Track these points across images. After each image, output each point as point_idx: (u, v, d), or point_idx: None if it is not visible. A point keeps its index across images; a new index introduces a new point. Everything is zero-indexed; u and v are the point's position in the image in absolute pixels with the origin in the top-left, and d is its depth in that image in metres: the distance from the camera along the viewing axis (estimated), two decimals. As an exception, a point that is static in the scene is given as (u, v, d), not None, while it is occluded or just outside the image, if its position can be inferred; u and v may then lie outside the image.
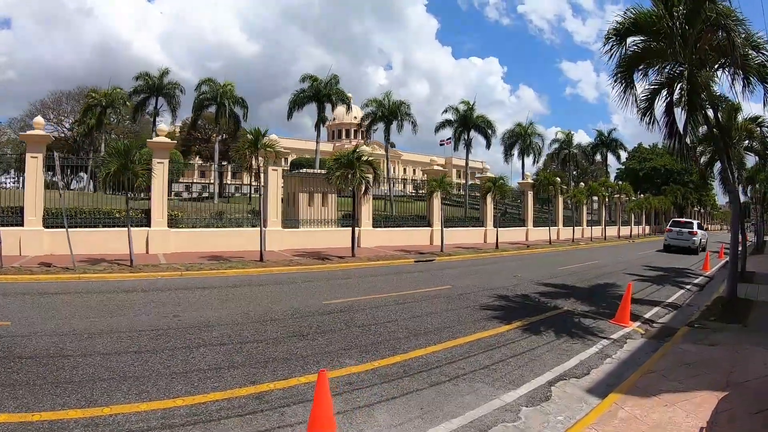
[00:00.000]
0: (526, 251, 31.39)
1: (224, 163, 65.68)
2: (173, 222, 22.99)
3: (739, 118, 18.97)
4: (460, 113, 58.10)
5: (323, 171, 28.40)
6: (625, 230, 60.16)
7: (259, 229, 21.46)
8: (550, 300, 14.36)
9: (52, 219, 19.93)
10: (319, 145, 55.84)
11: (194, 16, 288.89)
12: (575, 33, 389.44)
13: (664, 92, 13.25)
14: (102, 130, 57.52)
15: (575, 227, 43.59)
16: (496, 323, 11.04)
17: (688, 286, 18.86)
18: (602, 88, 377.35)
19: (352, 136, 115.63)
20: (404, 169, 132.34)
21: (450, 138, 62.22)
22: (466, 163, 62.45)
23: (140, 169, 17.09)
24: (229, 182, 79.73)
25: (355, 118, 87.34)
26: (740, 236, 19.35)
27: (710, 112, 13.83)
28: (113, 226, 21.15)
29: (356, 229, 25.79)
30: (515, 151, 65.08)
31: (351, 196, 25.04)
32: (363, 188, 23.59)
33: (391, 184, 50.80)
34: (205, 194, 61.65)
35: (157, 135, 23.71)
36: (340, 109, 64.70)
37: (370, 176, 24.02)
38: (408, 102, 55.62)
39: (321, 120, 54.63)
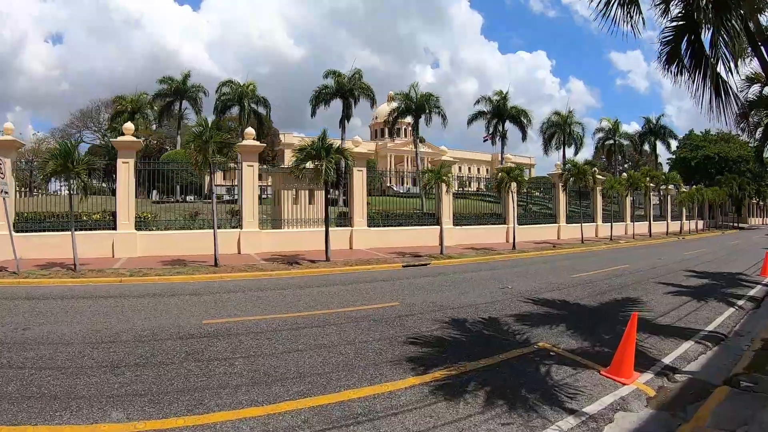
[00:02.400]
0: (550, 252, 27.34)
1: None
2: (143, 224, 22.27)
3: None
4: (493, 104, 55.59)
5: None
6: (675, 226, 54.28)
7: (236, 230, 21.94)
8: (527, 328, 10.15)
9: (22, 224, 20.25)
10: (345, 143, 52.26)
11: (240, 22, 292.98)
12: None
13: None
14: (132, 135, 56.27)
15: (613, 223, 38.35)
16: (408, 370, 7.48)
17: (740, 302, 13.90)
18: (653, 77, 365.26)
19: (395, 135, 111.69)
20: (450, 167, 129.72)
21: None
22: (501, 156, 58.58)
23: (82, 169, 16.65)
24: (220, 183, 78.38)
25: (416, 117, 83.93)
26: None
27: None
28: (89, 229, 21.00)
29: (350, 228, 25.35)
30: (555, 143, 61.54)
31: (327, 191, 21.87)
32: (334, 181, 21.01)
33: (418, 180, 47.46)
34: (228, 197, 59.82)
35: (122, 134, 22.35)
36: (384, 107, 61.58)
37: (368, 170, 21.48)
38: (436, 95, 52.31)
39: (346, 116, 52.29)
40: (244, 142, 24.12)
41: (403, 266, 20.06)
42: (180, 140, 55.96)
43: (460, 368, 7.50)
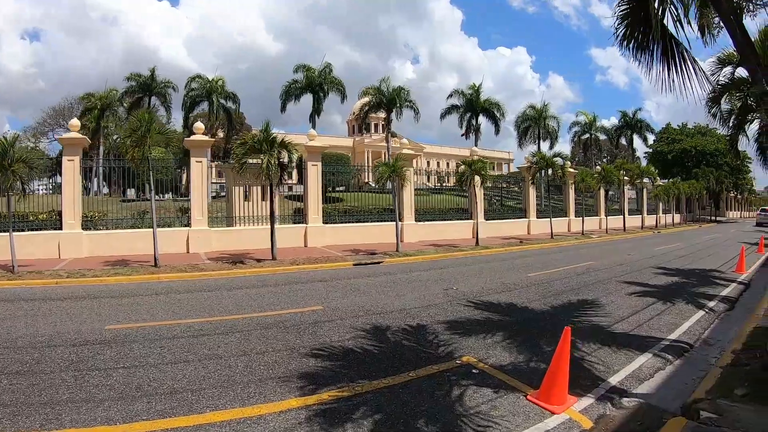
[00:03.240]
0: (515, 248, 25.88)
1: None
2: (90, 224, 21.25)
3: None
4: (466, 97, 54.75)
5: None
6: (651, 220, 53.08)
7: (186, 229, 21.30)
8: (456, 338, 8.75)
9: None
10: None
11: (219, 18, 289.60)
12: (603, 18, 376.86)
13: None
14: (102, 133, 55.57)
15: (586, 217, 37.17)
16: (294, 389, 6.40)
17: (711, 303, 12.41)
18: (632, 74, 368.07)
19: (373, 131, 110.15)
20: (428, 162, 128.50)
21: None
22: (474, 150, 56.99)
23: (19, 168, 15.88)
24: (214, 181, 76.76)
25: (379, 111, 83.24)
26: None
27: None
28: (36, 230, 20.19)
29: (304, 226, 24.51)
30: (530, 137, 61.02)
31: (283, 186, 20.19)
32: (278, 177, 19.26)
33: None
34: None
35: (69, 130, 21.55)
36: (360, 103, 59.95)
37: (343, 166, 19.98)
38: (407, 88, 50.88)
39: (316, 111, 50.65)
40: (192, 138, 22.73)
41: (354, 265, 18.74)
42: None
43: (355, 389, 6.33)
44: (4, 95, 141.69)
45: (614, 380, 6.92)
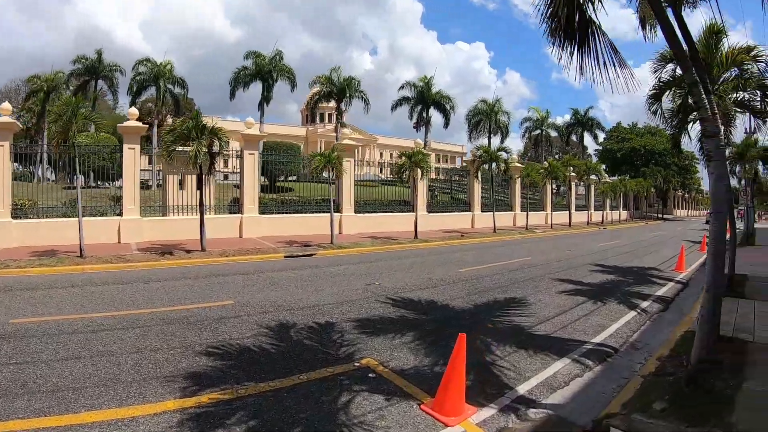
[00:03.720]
0: (455, 242, 25.38)
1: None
2: (20, 212, 20.06)
3: (724, 46, 12.20)
4: (417, 89, 54.11)
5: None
6: (598, 216, 53.51)
7: (117, 218, 20.57)
8: (363, 338, 8.20)
9: None
10: (263, 127, 49.50)
11: (176, 2, 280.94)
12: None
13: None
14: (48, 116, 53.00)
15: (531, 212, 37.31)
16: (176, 390, 6.00)
17: (645, 303, 11.88)
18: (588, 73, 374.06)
19: (326, 120, 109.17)
20: (381, 153, 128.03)
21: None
22: (425, 143, 56.58)
23: None
24: (160, 168, 75.13)
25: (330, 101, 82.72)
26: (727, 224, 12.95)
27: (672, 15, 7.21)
28: None
29: (240, 216, 23.76)
30: (481, 131, 60.81)
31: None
32: (209, 166, 18.76)
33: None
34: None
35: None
36: (312, 91, 58.91)
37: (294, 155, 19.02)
38: (358, 78, 50.75)
39: (265, 99, 49.80)
40: (125, 124, 21.72)
41: (285, 257, 18.05)
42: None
43: (238, 391, 5.92)
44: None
45: (523, 388, 6.32)
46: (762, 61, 12.14)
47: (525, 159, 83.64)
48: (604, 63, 6.67)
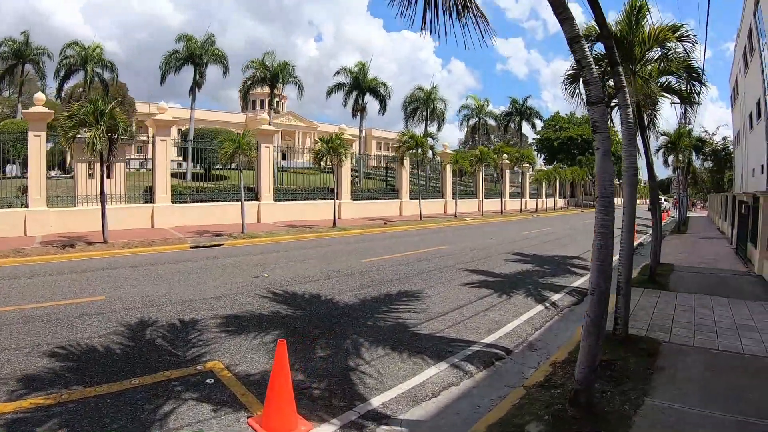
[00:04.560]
0: (377, 230, 25.00)
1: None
2: None
3: (647, 24, 11.83)
4: (353, 75, 52.99)
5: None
6: (533, 204, 53.93)
7: (23, 210, 19.60)
8: (223, 337, 7.72)
9: None
10: (194, 113, 50.25)
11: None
12: (507, 10, 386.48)
13: None
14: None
15: (461, 200, 37.22)
16: (2, 393, 5.57)
17: (556, 296, 11.45)
18: (533, 65, 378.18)
19: (267, 107, 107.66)
20: (318, 141, 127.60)
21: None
22: (360, 131, 56.06)
23: None
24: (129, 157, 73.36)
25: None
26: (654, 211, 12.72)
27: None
28: None
29: (152, 205, 22.81)
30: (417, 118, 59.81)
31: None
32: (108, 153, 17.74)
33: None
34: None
35: None
36: (244, 76, 57.69)
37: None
38: (293, 63, 49.53)
39: (196, 84, 48.47)
40: (31, 109, 20.45)
41: (191, 247, 17.45)
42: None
43: (62, 396, 5.50)
44: None
45: (379, 401, 5.72)
46: (687, 41, 11.85)
47: (466, 147, 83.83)
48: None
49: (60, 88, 51.31)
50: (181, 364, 6.51)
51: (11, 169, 28.52)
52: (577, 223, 36.89)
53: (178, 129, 71.75)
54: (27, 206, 19.93)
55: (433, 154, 32.58)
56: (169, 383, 5.89)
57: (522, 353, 7.61)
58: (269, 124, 47.66)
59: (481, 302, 10.39)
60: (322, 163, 25.02)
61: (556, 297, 11.33)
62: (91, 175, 22.08)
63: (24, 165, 28.27)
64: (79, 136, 17.34)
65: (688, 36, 11.73)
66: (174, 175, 31.99)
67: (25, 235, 19.23)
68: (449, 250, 18.47)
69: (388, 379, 6.29)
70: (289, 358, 6.65)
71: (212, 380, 6.01)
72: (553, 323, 9.37)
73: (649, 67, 12.59)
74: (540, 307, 10.27)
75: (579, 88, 13.10)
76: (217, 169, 33.46)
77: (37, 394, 5.48)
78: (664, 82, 13.26)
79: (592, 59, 5.38)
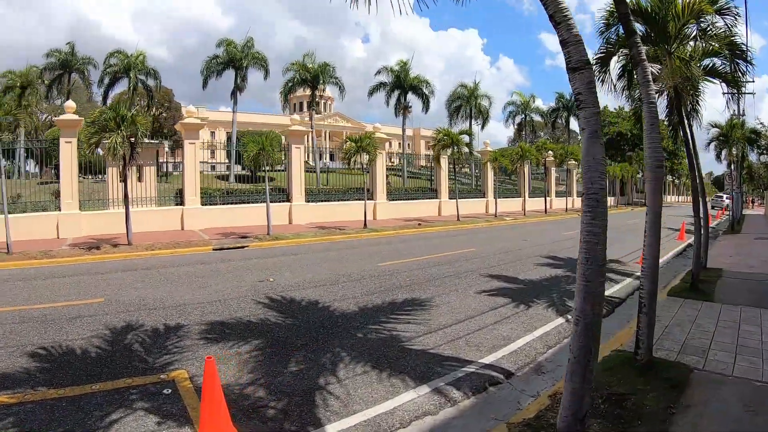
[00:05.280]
0: (410, 231, 24.24)
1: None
2: None
3: None
4: (394, 73, 52.31)
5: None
6: (580, 202, 51.90)
7: (56, 213, 20.03)
8: (201, 343, 7.39)
9: None
10: (237, 116, 50.76)
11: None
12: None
13: None
14: (24, 111, 51.32)
15: (502, 199, 36.35)
16: None
17: None
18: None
19: (314, 108, 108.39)
20: (346, 140, 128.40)
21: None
22: (403, 130, 55.69)
23: None
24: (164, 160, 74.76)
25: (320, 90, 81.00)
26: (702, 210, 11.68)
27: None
28: None
29: (182, 208, 23.05)
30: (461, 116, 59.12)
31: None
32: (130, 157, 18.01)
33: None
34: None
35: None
36: (285, 79, 57.91)
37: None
38: (333, 64, 49.42)
39: (238, 88, 48.68)
40: (62, 117, 20.93)
41: (214, 249, 17.45)
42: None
43: (26, 396, 5.52)
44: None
45: (334, 428, 4.94)
46: (728, 14, 10.57)
47: (515, 144, 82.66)
48: None
49: (105, 96, 52.30)
50: (147, 372, 6.23)
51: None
52: (623, 223, 34.71)
53: (226, 132, 72.75)
54: (60, 209, 20.25)
55: (470, 152, 31.66)
56: (127, 391, 5.67)
57: (525, 377, 6.47)
58: (310, 126, 47.87)
59: (493, 313, 9.28)
60: (351, 162, 24.40)
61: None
62: (121, 179, 22.16)
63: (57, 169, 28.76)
64: (104, 141, 17.48)
65: (728, 9, 10.48)
66: (219, 178, 32.11)
67: (58, 238, 19.60)
68: (476, 252, 17.56)
69: (355, 402, 5.48)
70: (259, 372, 6.20)
71: (170, 391, 5.65)
72: (571, 341, 8.35)
73: (689, 48, 11.53)
74: (560, 320, 8.94)
75: (609, 73, 12.25)
76: (264, 170, 33.40)
77: (4, 393, 5.52)
78: (708, 65, 11.90)
79: (569, 11, 4.20)
